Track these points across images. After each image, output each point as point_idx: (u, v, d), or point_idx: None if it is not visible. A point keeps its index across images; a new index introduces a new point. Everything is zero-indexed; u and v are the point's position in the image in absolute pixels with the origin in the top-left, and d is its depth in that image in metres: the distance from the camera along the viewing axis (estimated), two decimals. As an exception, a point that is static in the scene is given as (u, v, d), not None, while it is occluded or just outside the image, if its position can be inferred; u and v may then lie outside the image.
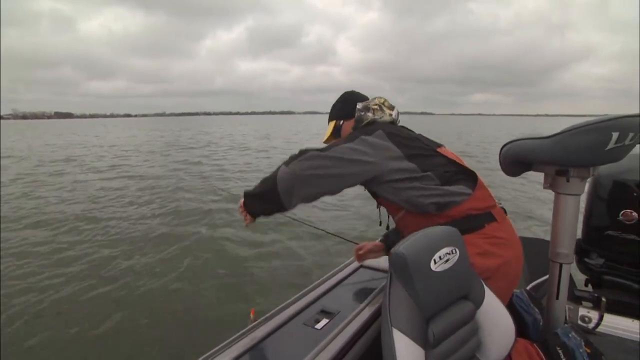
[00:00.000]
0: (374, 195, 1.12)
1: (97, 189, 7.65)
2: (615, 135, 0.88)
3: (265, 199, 1.05)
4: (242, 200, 1.12)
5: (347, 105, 1.21)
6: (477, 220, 0.99)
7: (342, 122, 1.23)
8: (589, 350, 0.93)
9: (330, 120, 1.27)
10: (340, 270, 1.49)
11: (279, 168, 1.02)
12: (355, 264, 1.55)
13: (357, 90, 1.33)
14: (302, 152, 1.03)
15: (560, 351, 0.93)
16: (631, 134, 0.90)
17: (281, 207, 1.03)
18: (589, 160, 0.96)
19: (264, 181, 1.05)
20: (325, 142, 1.24)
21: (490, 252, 0.96)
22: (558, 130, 0.96)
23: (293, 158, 1.01)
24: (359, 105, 1.17)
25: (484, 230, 0.98)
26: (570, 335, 0.98)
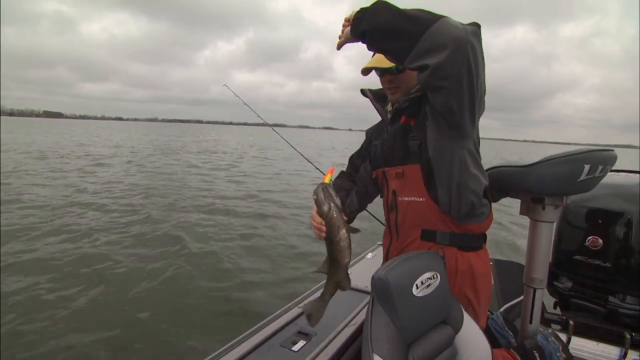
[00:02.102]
0: (432, 143, 0.90)
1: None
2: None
3: (401, 25, 0.73)
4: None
5: None
6: (484, 238, 1.00)
7: None
8: (565, 356, 0.97)
9: None
10: (317, 289, 1.46)
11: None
12: None
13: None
14: None
15: (536, 354, 0.95)
16: (600, 167, 0.96)
17: (403, 51, 0.74)
18: (562, 189, 1.01)
19: (422, 11, 0.74)
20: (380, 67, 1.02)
21: (479, 272, 0.97)
22: (536, 159, 1.00)
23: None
24: None
25: (483, 249, 1.00)
26: (550, 340, 1.00)
